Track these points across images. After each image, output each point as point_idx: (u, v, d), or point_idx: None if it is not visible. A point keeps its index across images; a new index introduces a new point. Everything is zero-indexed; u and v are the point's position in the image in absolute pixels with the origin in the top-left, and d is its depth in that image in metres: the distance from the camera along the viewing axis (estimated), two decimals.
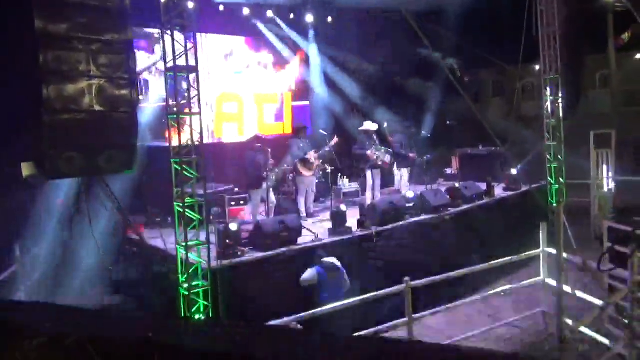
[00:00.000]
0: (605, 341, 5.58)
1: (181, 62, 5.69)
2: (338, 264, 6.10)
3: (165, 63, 5.72)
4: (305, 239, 6.94)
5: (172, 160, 5.78)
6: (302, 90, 13.11)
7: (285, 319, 4.83)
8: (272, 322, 4.69)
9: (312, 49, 12.98)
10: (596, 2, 14.63)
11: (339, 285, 6.02)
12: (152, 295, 7.08)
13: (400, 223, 7.76)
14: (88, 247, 7.51)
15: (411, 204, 8.22)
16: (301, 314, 4.92)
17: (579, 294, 5.98)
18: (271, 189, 8.66)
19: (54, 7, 4.61)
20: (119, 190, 7.15)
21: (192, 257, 5.73)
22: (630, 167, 11.42)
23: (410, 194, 8.42)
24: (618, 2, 13.77)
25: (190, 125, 5.79)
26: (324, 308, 5.18)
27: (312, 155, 9.04)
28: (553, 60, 10.04)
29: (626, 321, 5.32)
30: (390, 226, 7.55)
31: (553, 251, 5.98)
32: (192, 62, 5.79)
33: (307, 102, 13.19)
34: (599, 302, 5.48)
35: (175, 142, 5.80)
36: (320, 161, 9.22)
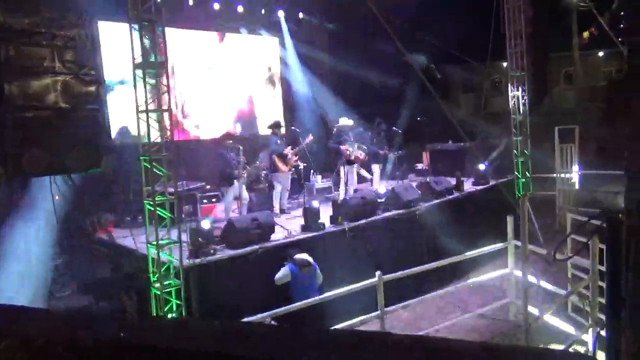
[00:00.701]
0: (569, 329, 5.80)
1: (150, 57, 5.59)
2: (310, 260, 6.16)
3: (134, 59, 5.61)
4: (278, 235, 6.95)
5: (141, 157, 5.68)
6: (275, 86, 13.08)
7: (260, 315, 4.84)
8: (247, 319, 4.70)
9: (283, 45, 12.98)
10: (561, 2, 15.06)
11: (312, 281, 6.08)
12: (123, 296, 6.97)
13: (373, 218, 7.85)
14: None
15: (383, 199, 8.32)
16: (275, 310, 4.94)
17: (544, 284, 6.19)
18: (244, 186, 8.63)
19: (16, 2, 4.48)
20: (88, 189, 7.00)
21: (164, 256, 5.67)
22: (593, 161, 11.82)
23: (382, 190, 8.53)
24: (582, 1, 14.19)
25: (161, 122, 5.71)
26: (297, 304, 5.21)
27: (289, 152, 9.09)
28: (519, 57, 10.31)
29: (588, 309, 5.55)
30: (362, 221, 7.63)
31: (519, 243, 6.17)
32: (161, 58, 5.70)
33: (277, 98, 13.15)
34: (562, 292, 5.68)
35: (145, 139, 5.71)
36: (296, 158, 9.28)
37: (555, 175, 11.22)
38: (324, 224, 7.33)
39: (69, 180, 6.10)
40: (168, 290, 5.65)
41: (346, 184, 9.61)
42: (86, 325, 1.50)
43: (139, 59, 5.57)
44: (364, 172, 10.53)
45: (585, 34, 15.64)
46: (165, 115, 5.75)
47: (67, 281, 8.17)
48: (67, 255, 8.09)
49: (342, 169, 9.51)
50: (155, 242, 5.58)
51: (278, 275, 6.04)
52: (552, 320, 5.82)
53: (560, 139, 11.10)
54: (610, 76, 20.36)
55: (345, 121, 9.83)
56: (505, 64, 11.06)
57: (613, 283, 1.75)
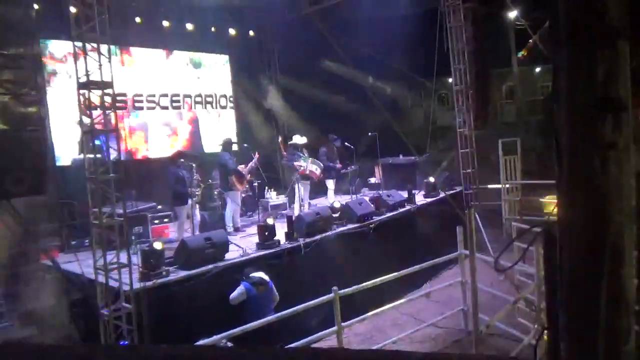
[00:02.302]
0: (518, 333, 6.02)
1: (95, 76, 5.45)
2: (266, 278, 6.11)
3: (78, 78, 5.45)
4: (233, 254, 6.86)
5: (88, 178, 5.49)
6: (226, 104, 13.01)
7: (215, 337, 4.74)
8: (201, 342, 4.59)
9: (233, 63, 12.98)
10: (499, 21, 15.89)
11: (268, 300, 6.03)
12: (70, 324, 6.64)
13: (327, 233, 7.89)
14: None
15: (337, 214, 8.39)
16: (231, 331, 4.85)
17: (494, 291, 6.41)
18: (197, 205, 8.48)
19: None
20: (30, 213, 6.68)
21: (113, 280, 5.46)
22: (534, 171, 12.42)
23: (336, 204, 8.61)
24: (517, 21, 15.02)
25: (106, 142, 5.56)
26: (253, 323, 5.13)
27: (243, 169, 9.05)
28: (463, 73, 10.77)
29: (535, 313, 5.79)
30: (317, 237, 7.66)
31: (469, 252, 6.37)
32: (106, 77, 5.56)
33: (228, 115, 13.09)
34: (510, 298, 5.91)
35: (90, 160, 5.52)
36: (250, 175, 9.26)
37: (500, 186, 11.70)
38: (279, 241, 7.31)
39: (9, 205, 5.81)
40: (118, 315, 5.44)
41: (301, 199, 9.65)
42: (35, 358, 1.43)
43: (83, 79, 5.43)
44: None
45: (523, 52, 16.57)
46: (112, 135, 5.61)
47: (7, 312, 7.71)
48: (6, 285, 7.64)
49: (296, 185, 9.54)
50: (103, 267, 5.38)
51: (233, 294, 5.96)
52: (502, 326, 6.03)
53: (503, 151, 11.63)
54: (547, 90, 21.60)
55: (298, 138, 9.91)
56: (450, 80, 11.52)
57: (550, 287, 1.86)
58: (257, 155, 9.30)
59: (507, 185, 11.53)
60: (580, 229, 1.59)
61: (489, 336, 5.79)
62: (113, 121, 5.63)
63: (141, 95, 11.06)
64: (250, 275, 6.06)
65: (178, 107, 11.84)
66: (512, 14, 14.60)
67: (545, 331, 2.10)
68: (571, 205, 1.65)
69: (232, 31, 12.66)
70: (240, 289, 5.95)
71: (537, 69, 21.86)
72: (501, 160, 11.57)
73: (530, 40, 11.35)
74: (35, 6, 6.83)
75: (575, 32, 1.59)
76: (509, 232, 10.64)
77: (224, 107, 12.90)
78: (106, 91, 5.53)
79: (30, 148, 4.74)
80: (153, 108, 11.31)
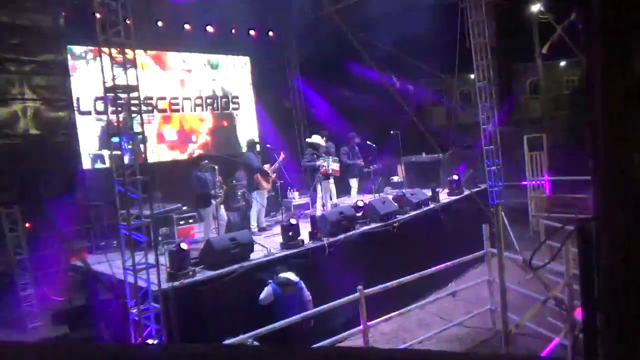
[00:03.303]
0: (548, 333, 5.90)
1: (121, 80, 5.56)
2: (294, 278, 6.07)
3: (104, 83, 5.56)
4: (258, 254, 6.90)
5: (115, 181, 5.60)
6: (247, 105, 13.11)
7: (242, 336, 4.78)
8: (228, 341, 4.63)
9: (254, 65, 13.06)
10: (522, 14, 15.61)
11: (296, 301, 5.95)
12: (100, 324, 6.78)
13: (351, 233, 7.87)
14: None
15: (360, 213, 8.37)
16: (257, 331, 4.89)
17: (522, 290, 6.30)
18: (221, 206, 8.56)
19: None
20: (61, 215, 6.85)
21: (141, 280, 5.56)
22: (561, 168, 12.17)
23: (360, 204, 8.57)
24: (541, 13, 14.74)
25: (133, 145, 5.66)
26: (279, 323, 5.16)
27: (268, 169, 9.12)
28: (485, 69, 10.61)
29: (565, 312, 5.66)
30: (341, 236, 7.64)
31: (496, 251, 6.28)
32: (132, 81, 5.66)
33: (250, 116, 13.18)
34: (540, 297, 5.79)
35: (118, 163, 5.63)
36: (275, 175, 9.31)
37: (526, 183, 11.50)
38: (303, 241, 7.32)
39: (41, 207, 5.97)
40: (147, 315, 5.54)
41: (327, 199, 9.66)
42: (65, 358, 1.47)
43: (109, 83, 5.54)
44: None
45: (545, 46, 16.24)
46: (138, 137, 5.71)
47: (40, 311, 7.93)
48: (39, 285, 7.86)
49: (319, 184, 9.55)
50: (131, 267, 5.48)
51: (261, 295, 5.98)
52: (531, 325, 5.92)
53: (529, 147, 11.42)
54: (573, 85, 21.14)
55: (317, 138, 9.90)
56: (472, 76, 11.37)
57: (586, 287, 1.81)
58: (282, 156, 9.36)
59: (534, 182, 11.33)
60: (618, 225, 1.55)
61: (518, 336, 5.69)
62: (138, 124, 5.72)
63: (164, 99, 11.23)
64: (279, 275, 6.07)
65: (199, 109, 11.97)
66: (535, 8, 14.34)
67: (581, 332, 2.05)
68: (608, 200, 1.60)
69: (252, 32, 12.75)
70: (267, 290, 5.97)
71: (562, 63, 21.42)
72: (526, 156, 11.37)
73: (555, 34, 11.07)
74: (64, 13, 6.99)
75: (609, 23, 1.55)
76: (536, 230, 10.46)
77: (244, 109, 13.00)
78: (132, 94, 5.63)
79: (61, 152, 4.88)
80: (177, 110, 11.47)
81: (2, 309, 8.01)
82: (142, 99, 6.09)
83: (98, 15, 5.61)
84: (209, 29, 11.77)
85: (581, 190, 10.60)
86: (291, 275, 6.08)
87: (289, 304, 5.81)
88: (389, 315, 6.10)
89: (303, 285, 6.11)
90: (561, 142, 14.17)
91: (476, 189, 10.78)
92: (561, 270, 5.77)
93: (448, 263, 6.69)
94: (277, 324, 5.09)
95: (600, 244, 1.67)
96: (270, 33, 13.28)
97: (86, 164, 9.23)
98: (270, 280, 6.05)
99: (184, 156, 11.18)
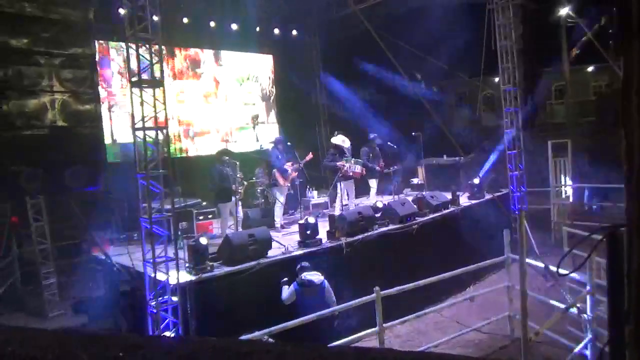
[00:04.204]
0: (568, 342, 5.78)
1: (146, 75, 5.62)
2: (317, 279, 5.98)
3: (130, 77, 5.63)
4: (275, 251, 6.91)
5: (137, 175, 5.67)
6: (270, 102, 13.16)
7: (257, 333, 4.80)
8: (243, 337, 4.65)
9: (278, 62, 13.09)
10: (550, 18, 15.33)
11: (320, 301, 5.86)
12: (119, 314, 6.89)
13: (369, 233, 7.84)
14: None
15: (379, 214, 8.32)
16: (272, 328, 4.90)
17: (542, 297, 6.18)
18: (240, 202, 8.61)
19: (15, 21, 4.51)
20: (84, 207, 6.97)
21: (160, 273, 5.62)
22: (584, 174, 11.93)
23: (379, 204, 8.53)
24: (570, 17, 14.46)
25: (156, 139, 5.71)
26: (294, 321, 5.15)
27: (289, 167, 9.13)
28: (511, 73, 10.45)
29: (587, 323, 5.54)
30: (359, 237, 7.61)
31: (517, 257, 6.18)
32: (157, 76, 5.72)
33: (272, 114, 13.22)
34: (561, 305, 5.68)
35: (141, 157, 5.70)
36: (295, 173, 9.31)
37: (549, 188, 11.29)
38: (321, 240, 7.31)
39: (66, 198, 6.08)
40: (164, 308, 5.59)
41: (346, 199, 9.63)
42: (84, 346, 1.48)
43: (135, 77, 5.61)
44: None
45: (574, 51, 15.94)
46: (162, 132, 5.76)
47: (61, 300, 8.09)
48: (62, 274, 8.02)
49: (339, 184, 9.52)
50: (151, 260, 5.54)
51: (284, 295, 5.97)
52: (551, 334, 5.81)
53: (553, 152, 11.20)
54: (600, 90, 20.67)
55: (340, 139, 9.87)
56: (497, 79, 11.20)
57: (614, 298, 1.76)
58: (310, 155, 9.38)
59: (557, 189, 11.12)
60: None
61: (538, 344, 5.59)
62: (163, 119, 5.78)
63: (184, 92, 11.34)
64: (303, 275, 6.03)
65: (221, 105, 12.06)
66: (564, 11, 14.06)
67: (607, 346, 1.98)
68: None
69: (276, 31, 12.80)
70: (290, 290, 5.95)
71: (590, 69, 20.97)
72: (550, 161, 11.16)
73: (584, 38, 10.85)
74: (93, 8, 7.11)
75: None
76: (558, 237, 10.26)
77: (267, 106, 13.06)
78: (156, 89, 5.69)
79: (87, 144, 4.96)
80: (198, 106, 11.57)
81: (24, 297, 8.21)
82: (168, 91, 6.14)
83: (125, 11, 5.69)
84: (234, 26, 11.85)
85: (605, 198, 10.38)
86: (315, 276, 5.99)
87: (309, 305, 5.74)
88: (405, 318, 6.05)
89: (327, 286, 6.02)
90: (585, 148, 13.89)
91: (498, 194, 10.63)
92: (583, 278, 5.65)
93: (467, 267, 6.60)
94: (290, 323, 5.06)
95: (631, 253, 1.62)
96: (295, 32, 13.31)
97: (110, 157, 9.40)
98: (295, 281, 6.03)
99: (205, 151, 11.27)
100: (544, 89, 20.47)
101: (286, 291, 5.98)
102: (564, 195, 11.35)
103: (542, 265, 6.30)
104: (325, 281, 6.04)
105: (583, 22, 11.57)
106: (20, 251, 8.03)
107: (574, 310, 5.59)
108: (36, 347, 1.40)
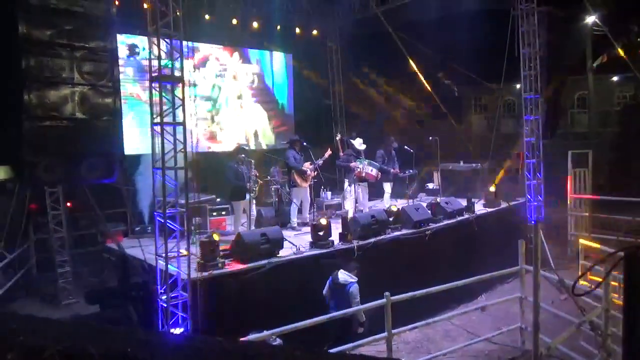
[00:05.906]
0: (580, 358, 5.66)
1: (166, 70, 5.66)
2: (342, 280, 6.10)
3: (151, 72, 5.67)
4: (287, 251, 6.91)
5: (154, 169, 5.71)
6: (286, 102, 13.18)
7: (265, 332, 4.79)
8: (251, 336, 4.64)
9: (297, 61, 13.10)
10: (576, 26, 15.07)
11: (343, 302, 5.99)
12: (129, 306, 6.96)
13: (382, 237, 7.78)
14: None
15: (392, 218, 8.26)
16: (280, 328, 4.88)
17: (556, 311, 6.07)
18: (254, 201, 8.62)
19: (38, 13, 4.57)
20: (99, 198, 7.05)
21: (172, 268, 5.65)
22: (605, 186, 11.69)
23: (392, 208, 8.47)
24: (596, 26, 14.19)
25: (174, 135, 5.75)
26: (302, 322, 5.13)
27: (307, 167, 9.08)
28: (533, 80, 10.28)
29: (600, 339, 5.42)
30: (371, 240, 7.57)
31: (531, 268, 6.07)
32: (177, 72, 5.76)
33: (289, 113, 13.24)
34: (574, 320, 5.56)
35: (158, 151, 5.73)
36: (315, 173, 9.26)
37: (567, 199, 11.08)
38: (333, 241, 7.28)
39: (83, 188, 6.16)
40: (175, 303, 5.62)
41: (357, 201, 9.58)
42: (93, 337, 1.49)
43: (155, 72, 5.65)
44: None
45: (601, 58, 15.62)
46: (180, 128, 5.79)
47: (75, 289, 8.21)
48: (75, 263, 8.14)
49: (352, 186, 9.48)
50: (163, 254, 5.57)
51: (325, 289, 6.28)
52: (563, 348, 5.69)
53: (573, 163, 10.99)
54: (625, 101, 20.25)
55: (358, 141, 9.84)
56: (518, 86, 11.04)
57: (630, 318, 1.70)
58: (329, 152, 9.34)
59: (576, 200, 10.90)
60: None
61: (548, 358, 5.48)
62: (181, 115, 5.80)
63: (208, 88, 11.41)
64: (338, 271, 6.18)
65: (238, 104, 12.11)
66: (590, 19, 13.80)
67: None
68: None
69: (297, 30, 12.80)
70: (327, 283, 6.25)
71: (615, 78, 20.54)
72: (570, 172, 10.95)
73: (610, 48, 10.62)
74: (116, 2, 7.20)
75: None
76: (574, 249, 10.06)
77: (283, 105, 13.08)
78: (176, 84, 5.73)
79: (105, 136, 5.01)
80: (215, 103, 11.64)
81: (39, 284, 8.35)
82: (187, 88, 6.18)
83: (148, 6, 5.73)
84: (254, 24, 11.89)
85: (625, 212, 10.15)
86: (344, 275, 6.13)
87: (333, 304, 6.04)
88: (414, 325, 5.99)
89: (353, 290, 6.06)
90: (606, 160, 13.61)
91: (514, 202, 10.48)
92: (598, 293, 5.52)
93: (480, 276, 6.50)
94: (299, 324, 5.04)
95: None
96: (315, 32, 13.30)
97: (128, 150, 9.50)
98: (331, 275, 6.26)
99: (221, 148, 11.33)
100: (567, 97, 20.14)
101: (327, 284, 6.27)
102: (582, 207, 11.11)
103: (556, 277, 6.18)
104: (355, 285, 6.10)
105: (609, 31, 11.32)
106: (37, 239, 8.17)
107: (587, 324, 5.48)
108: (46, 337, 1.41)
